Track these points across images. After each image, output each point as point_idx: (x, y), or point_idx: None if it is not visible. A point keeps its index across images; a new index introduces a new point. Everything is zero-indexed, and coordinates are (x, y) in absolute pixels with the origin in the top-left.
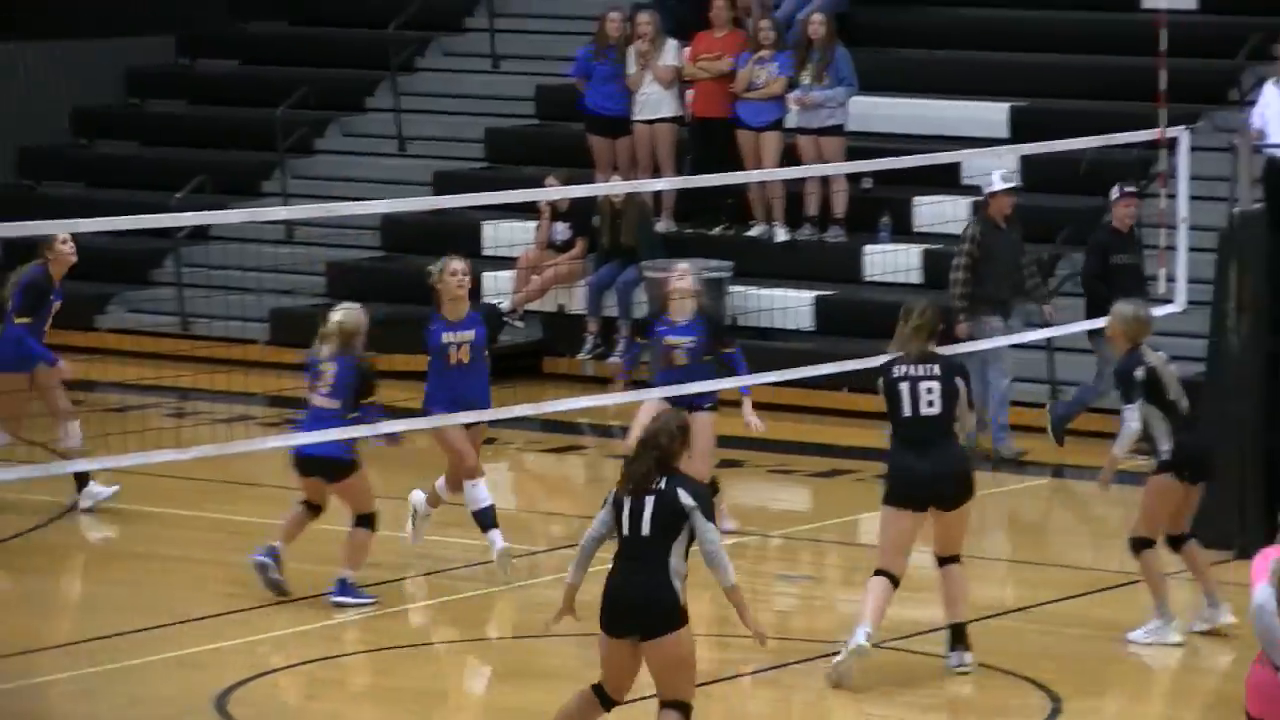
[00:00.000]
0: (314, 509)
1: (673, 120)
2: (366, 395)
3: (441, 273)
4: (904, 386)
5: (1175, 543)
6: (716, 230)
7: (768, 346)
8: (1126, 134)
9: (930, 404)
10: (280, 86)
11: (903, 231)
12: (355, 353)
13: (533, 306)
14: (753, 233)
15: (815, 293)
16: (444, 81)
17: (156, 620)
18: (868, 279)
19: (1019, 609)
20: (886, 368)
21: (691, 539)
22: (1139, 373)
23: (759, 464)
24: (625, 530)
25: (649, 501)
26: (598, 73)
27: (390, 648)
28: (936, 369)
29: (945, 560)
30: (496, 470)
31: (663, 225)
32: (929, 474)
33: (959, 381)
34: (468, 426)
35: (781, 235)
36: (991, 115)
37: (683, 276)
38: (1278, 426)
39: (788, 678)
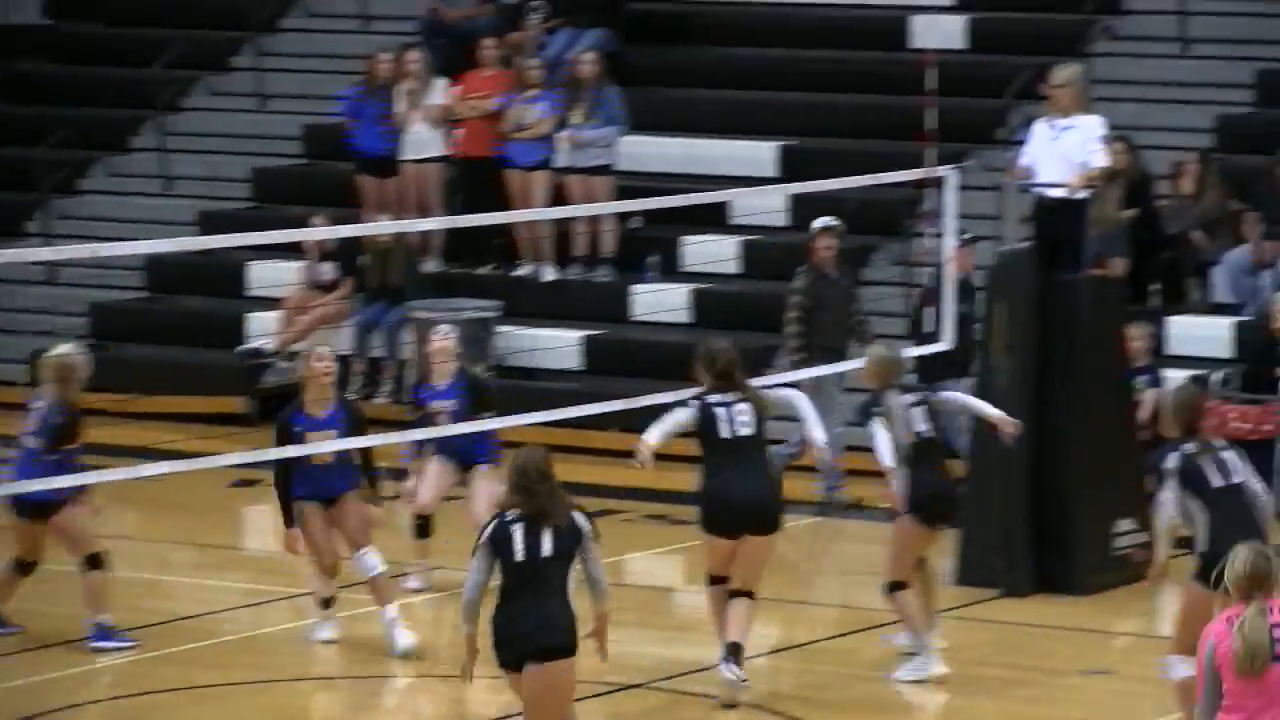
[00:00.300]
0: (25, 567)
1: (441, 160)
2: (69, 440)
3: (308, 361)
4: (721, 411)
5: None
6: (484, 270)
7: (535, 386)
8: (894, 173)
9: (745, 425)
10: (43, 126)
11: (671, 271)
12: (67, 395)
13: (298, 347)
14: (520, 272)
15: (583, 332)
16: (210, 121)
17: None
18: (635, 319)
19: (785, 648)
20: (700, 398)
21: None
22: (875, 411)
23: None
24: (521, 558)
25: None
26: (366, 113)
27: (151, 692)
28: (745, 395)
29: (739, 593)
30: (261, 513)
31: (431, 265)
32: (742, 498)
33: (764, 406)
34: (328, 506)
35: (549, 275)
36: (760, 154)
37: (443, 339)
38: (1044, 464)
39: None
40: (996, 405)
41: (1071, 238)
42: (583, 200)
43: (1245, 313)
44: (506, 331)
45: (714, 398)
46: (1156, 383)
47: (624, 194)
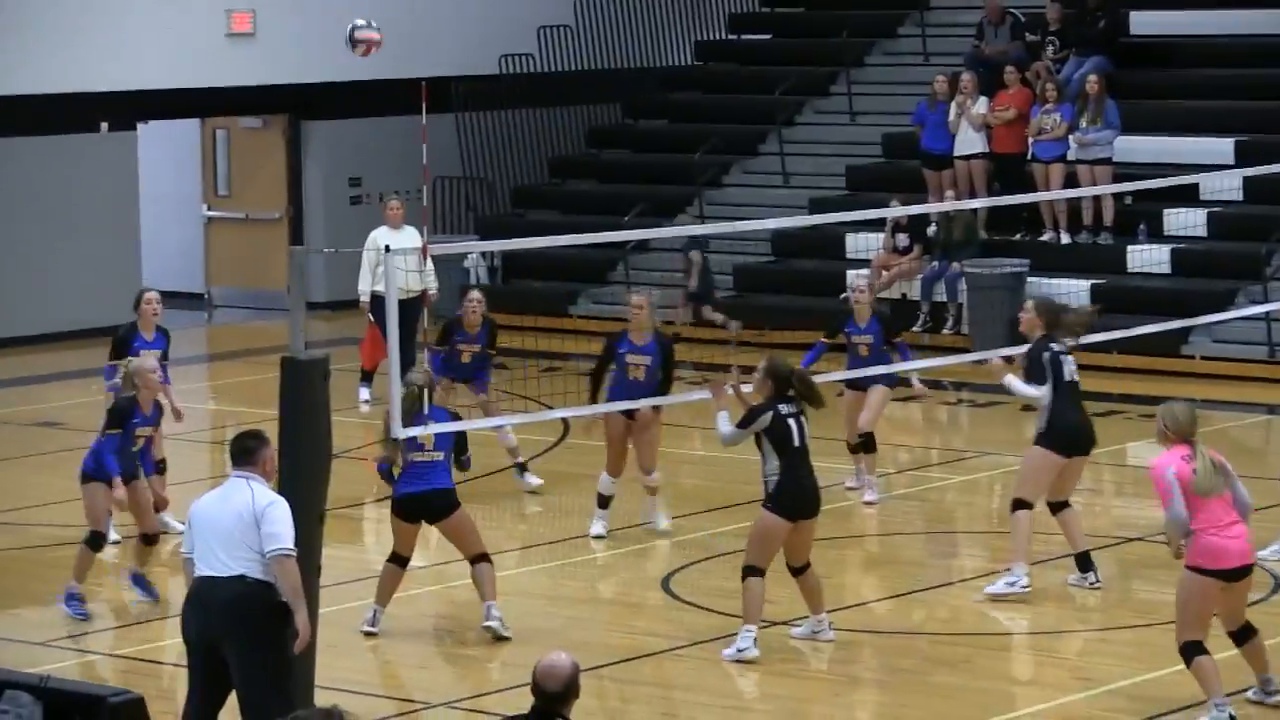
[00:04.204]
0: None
1: (984, 156)
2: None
3: (629, 301)
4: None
5: None
6: (1017, 237)
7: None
8: None
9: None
10: (696, 138)
11: (1156, 234)
12: None
13: (884, 295)
14: (1044, 238)
15: (1090, 281)
16: (815, 132)
17: None
18: (1131, 270)
19: None
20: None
21: None
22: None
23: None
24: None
25: None
26: (930, 121)
27: None
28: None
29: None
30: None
31: (981, 234)
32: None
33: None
34: (629, 416)
35: (1065, 239)
36: (1221, 148)
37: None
38: None
39: None
40: None
41: None
42: (1089, 184)
43: None
44: (1034, 281)
45: (1056, 347)
46: None
47: (1119, 179)
